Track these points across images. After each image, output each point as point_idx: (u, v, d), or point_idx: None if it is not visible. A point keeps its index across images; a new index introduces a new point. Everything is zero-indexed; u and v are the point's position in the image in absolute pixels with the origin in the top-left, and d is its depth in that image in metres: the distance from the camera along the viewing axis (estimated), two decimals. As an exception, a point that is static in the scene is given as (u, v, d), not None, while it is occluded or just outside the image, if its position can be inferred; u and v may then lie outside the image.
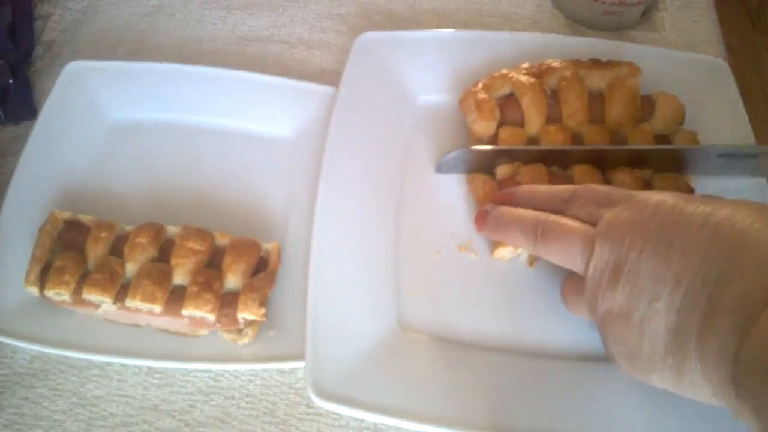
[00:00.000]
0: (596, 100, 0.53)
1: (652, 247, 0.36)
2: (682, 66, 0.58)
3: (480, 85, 0.54)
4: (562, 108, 0.52)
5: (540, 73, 0.54)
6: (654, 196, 0.39)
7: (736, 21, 1.50)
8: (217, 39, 0.65)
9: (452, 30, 0.60)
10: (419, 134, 0.57)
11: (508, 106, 0.53)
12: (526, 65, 0.55)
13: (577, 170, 0.50)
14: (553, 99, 0.53)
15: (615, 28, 0.64)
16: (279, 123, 0.57)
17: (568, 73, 0.53)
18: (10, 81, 0.61)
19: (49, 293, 0.46)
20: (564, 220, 0.42)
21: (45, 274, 0.47)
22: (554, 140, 0.51)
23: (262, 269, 0.48)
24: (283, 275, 0.50)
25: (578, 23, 0.65)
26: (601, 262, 0.39)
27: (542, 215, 0.43)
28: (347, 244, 0.50)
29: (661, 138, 0.52)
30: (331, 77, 0.59)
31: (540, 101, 0.52)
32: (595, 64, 0.53)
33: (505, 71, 0.54)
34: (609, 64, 0.53)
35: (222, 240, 0.49)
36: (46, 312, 0.48)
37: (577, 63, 0.54)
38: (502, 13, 0.66)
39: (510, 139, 0.52)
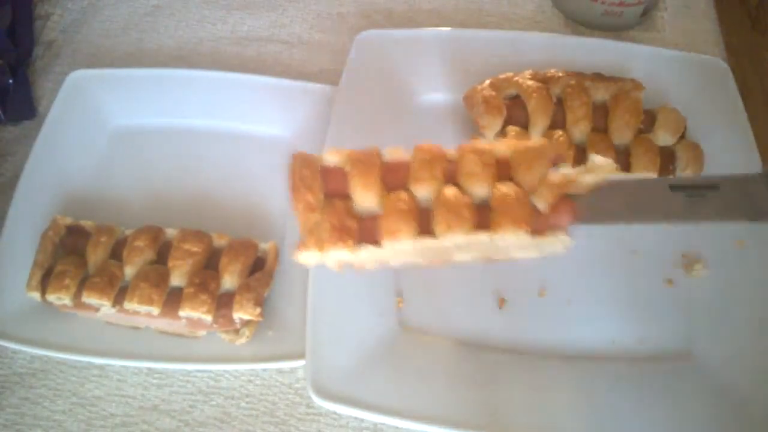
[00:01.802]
0: (600, 111, 0.53)
1: None
2: (682, 66, 0.58)
3: (486, 83, 0.54)
4: (567, 115, 0.52)
5: (545, 80, 0.54)
6: None
7: (736, 21, 1.50)
8: (217, 39, 0.65)
9: (452, 29, 0.60)
10: (419, 132, 0.56)
11: (513, 107, 0.53)
12: (530, 71, 0.54)
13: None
14: (558, 106, 0.53)
15: (615, 28, 0.64)
16: (279, 123, 0.57)
17: (573, 82, 0.53)
18: (10, 81, 0.61)
19: (51, 297, 0.46)
20: None
21: (47, 279, 0.47)
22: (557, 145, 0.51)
23: (260, 269, 0.48)
24: (281, 275, 0.50)
25: (578, 23, 0.65)
26: None
27: None
28: (347, 244, 0.50)
29: (664, 149, 0.52)
30: (330, 77, 0.59)
31: (546, 105, 0.52)
32: (599, 77, 0.54)
33: (510, 74, 0.54)
34: (613, 78, 0.54)
35: (220, 241, 0.49)
36: (48, 316, 0.49)
37: (581, 75, 0.54)
38: (501, 13, 0.66)
39: (518, 138, 0.51)
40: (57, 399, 0.48)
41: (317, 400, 0.43)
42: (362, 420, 0.46)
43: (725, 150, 0.54)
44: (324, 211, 0.39)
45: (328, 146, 0.53)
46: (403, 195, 0.39)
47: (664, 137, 0.52)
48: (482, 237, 0.38)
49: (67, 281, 0.46)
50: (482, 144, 0.40)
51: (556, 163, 0.39)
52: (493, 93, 0.53)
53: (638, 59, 0.58)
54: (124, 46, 0.65)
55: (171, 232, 0.49)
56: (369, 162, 0.40)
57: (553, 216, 0.38)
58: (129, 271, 0.47)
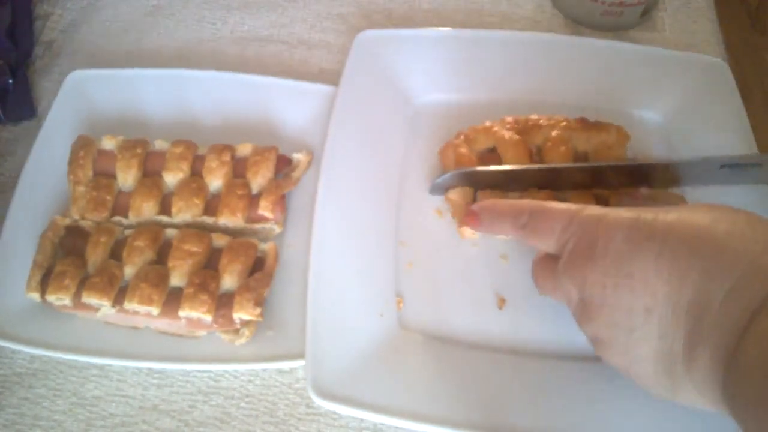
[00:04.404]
0: (582, 161, 0.50)
1: (612, 281, 0.36)
2: (682, 66, 0.58)
3: (462, 137, 0.52)
4: None
5: (525, 130, 0.51)
6: (603, 228, 0.38)
7: (736, 21, 1.50)
8: (217, 39, 0.65)
9: (452, 29, 0.60)
10: (419, 133, 0.57)
11: (489, 162, 0.50)
12: (510, 119, 0.52)
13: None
14: (538, 158, 0.50)
15: (615, 28, 0.64)
16: (278, 123, 0.57)
17: (554, 133, 0.50)
18: (10, 81, 0.61)
19: (51, 298, 0.46)
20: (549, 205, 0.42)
21: (46, 280, 0.47)
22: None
23: (260, 269, 0.48)
24: (281, 275, 0.50)
25: (578, 23, 0.65)
26: (573, 299, 0.40)
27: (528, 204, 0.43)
28: (347, 243, 0.50)
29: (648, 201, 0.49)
30: (330, 77, 0.59)
31: (522, 160, 0.49)
32: (583, 125, 0.51)
33: (488, 124, 0.52)
34: (597, 126, 0.51)
35: (220, 241, 0.49)
36: (48, 316, 0.49)
37: (564, 123, 0.51)
38: (501, 13, 0.66)
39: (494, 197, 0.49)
40: (57, 399, 0.48)
41: (317, 400, 0.43)
42: (362, 420, 0.46)
43: (725, 150, 0.54)
44: (90, 185, 0.51)
45: (329, 146, 0.53)
46: (156, 179, 0.51)
47: (647, 189, 0.50)
48: (207, 219, 0.50)
49: (66, 281, 0.46)
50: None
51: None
52: (466, 151, 0.50)
53: (638, 59, 0.58)
54: (124, 46, 0.65)
55: (170, 232, 0.49)
56: (133, 150, 0.52)
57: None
58: (129, 271, 0.47)
